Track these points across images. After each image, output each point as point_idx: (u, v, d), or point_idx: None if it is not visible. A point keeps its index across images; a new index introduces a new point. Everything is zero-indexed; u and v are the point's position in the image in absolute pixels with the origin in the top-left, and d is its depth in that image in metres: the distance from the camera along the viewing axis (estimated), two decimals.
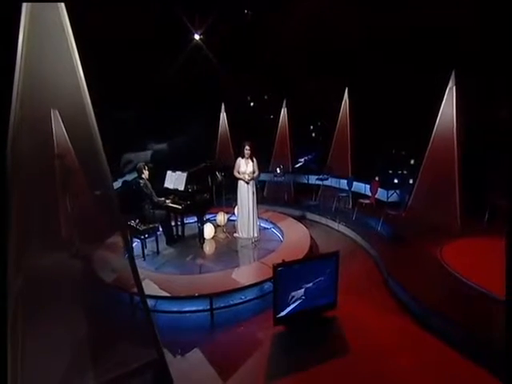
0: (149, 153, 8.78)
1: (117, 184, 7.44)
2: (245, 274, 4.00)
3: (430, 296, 3.56)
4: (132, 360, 2.26)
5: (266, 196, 8.78)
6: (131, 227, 4.81)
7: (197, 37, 8.29)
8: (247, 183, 5.12)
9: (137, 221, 4.88)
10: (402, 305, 3.79)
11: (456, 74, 5.86)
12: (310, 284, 3.40)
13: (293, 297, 3.38)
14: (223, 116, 9.21)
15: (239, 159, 5.19)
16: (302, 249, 4.66)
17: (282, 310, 3.34)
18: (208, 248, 5.15)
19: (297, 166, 8.55)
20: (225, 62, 8.79)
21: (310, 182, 8.13)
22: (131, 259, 2.25)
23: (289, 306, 3.37)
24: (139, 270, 4.19)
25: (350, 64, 7.82)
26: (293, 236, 5.29)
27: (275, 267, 3.23)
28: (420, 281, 3.91)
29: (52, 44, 1.69)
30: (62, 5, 1.70)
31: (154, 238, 4.94)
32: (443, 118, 6.14)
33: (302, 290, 3.39)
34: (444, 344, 3.10)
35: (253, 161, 5.01)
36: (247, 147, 5.07)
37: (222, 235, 5.57)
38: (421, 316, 3.49)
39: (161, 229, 5.22)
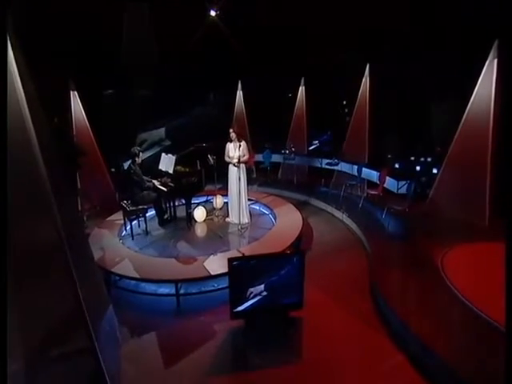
0: (162, 131, 8.87)
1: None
2: (216, 262, 3.92)
3: (413, 314, 3.03)
4: (59, 344, 2.30)
5: (280, 178, 8.48)
6: (123, 207, 4.96)
7: (213, 13, 7.86)
8: (237, 167, 4.93)
9: (129, 201, 5.00)
10: (382, 318, 3.28)
11: (499, 45, 4.83)
12: (271, 281, 3.21)
13: (251, 292, 3.23)
14: (240, 94, 8.86)
15: (228, 144, 5.04)
16: (286, 240, 4.41)
17: (240, 305, 3.23)
18: (195, 232, 5.14)
19: (311, 148, 8.01)
20: (241, 38, 8.28)
21: (322, 165, 7.59)
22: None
23: (247, 300, 3.24)
24: (125, 249, 4.39)
25: (373, 38, 6.86)
26: (284, 225, 5.03)
27: (230, 261, 3.09)
28: (407, 293, 3.40)
29: None
30: None
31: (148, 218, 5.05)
32: (478, 98, 5.19)
33: (262, 286, 3.22)
34: (423, 377, 2.54)
35: (241, 145, 4.77)
36: (230, 131, 4.95)
37: (215, 219, 5.52)
38: (400, 337, 2.95)
39: (153, 210, 5.32)
